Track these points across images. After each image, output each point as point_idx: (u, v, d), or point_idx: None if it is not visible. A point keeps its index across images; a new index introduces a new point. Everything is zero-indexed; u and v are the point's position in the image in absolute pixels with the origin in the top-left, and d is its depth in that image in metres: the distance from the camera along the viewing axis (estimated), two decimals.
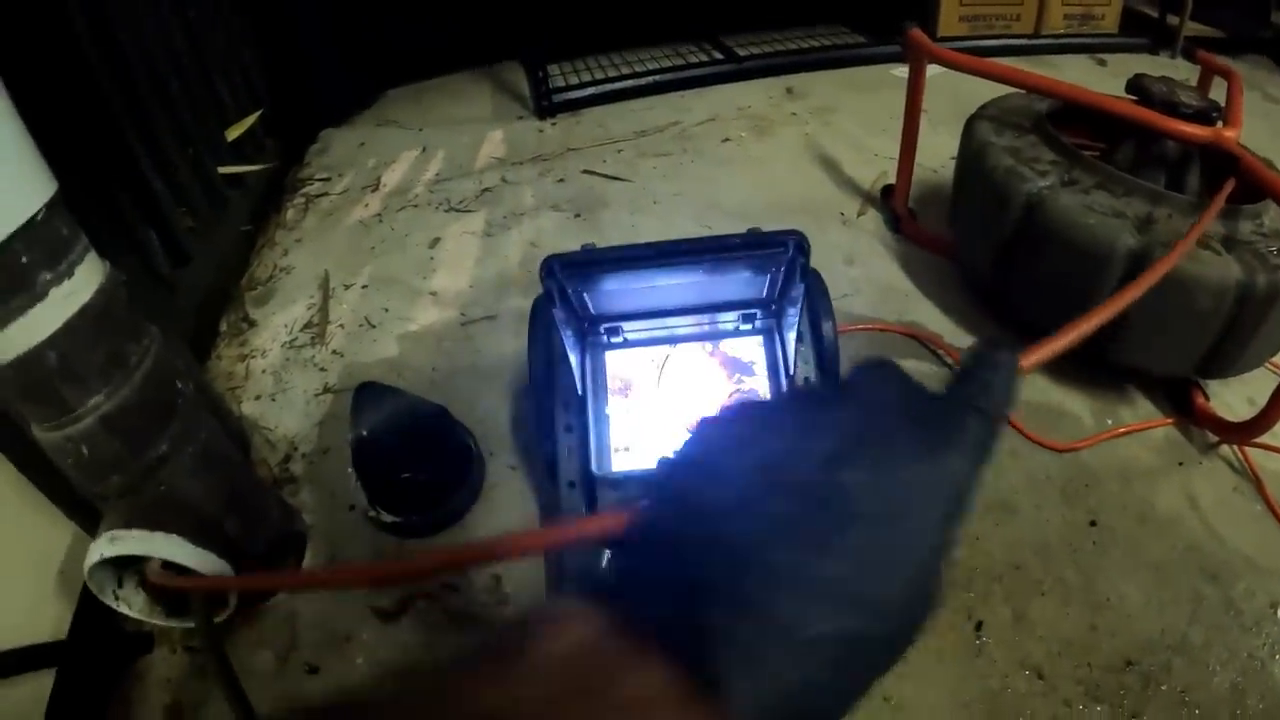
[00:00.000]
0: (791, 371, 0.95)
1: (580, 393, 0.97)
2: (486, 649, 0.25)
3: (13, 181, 0.74)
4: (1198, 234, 1.05)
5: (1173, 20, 2.79)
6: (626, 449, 0.96)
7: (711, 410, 0.33)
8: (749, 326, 1.00)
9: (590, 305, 0.96)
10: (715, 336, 1.01)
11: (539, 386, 1.01)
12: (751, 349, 1.00)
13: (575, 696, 0.24)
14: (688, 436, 0.32)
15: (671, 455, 0.32)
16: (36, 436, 0.85)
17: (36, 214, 0.75)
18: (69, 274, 0.80)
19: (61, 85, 1.33)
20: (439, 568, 0.38)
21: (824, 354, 0.97)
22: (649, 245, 0.88)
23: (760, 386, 0.98)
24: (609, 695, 0.24)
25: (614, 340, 1.00)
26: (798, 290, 0.92)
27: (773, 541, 0.26)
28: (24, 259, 0.74)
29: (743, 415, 0.32)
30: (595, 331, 1.00)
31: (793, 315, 0.95)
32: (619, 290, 0.93)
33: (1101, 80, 2.55)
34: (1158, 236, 1.17)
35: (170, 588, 0.90)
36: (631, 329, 1.00)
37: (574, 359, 0.95)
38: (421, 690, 0.25)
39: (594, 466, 0.94)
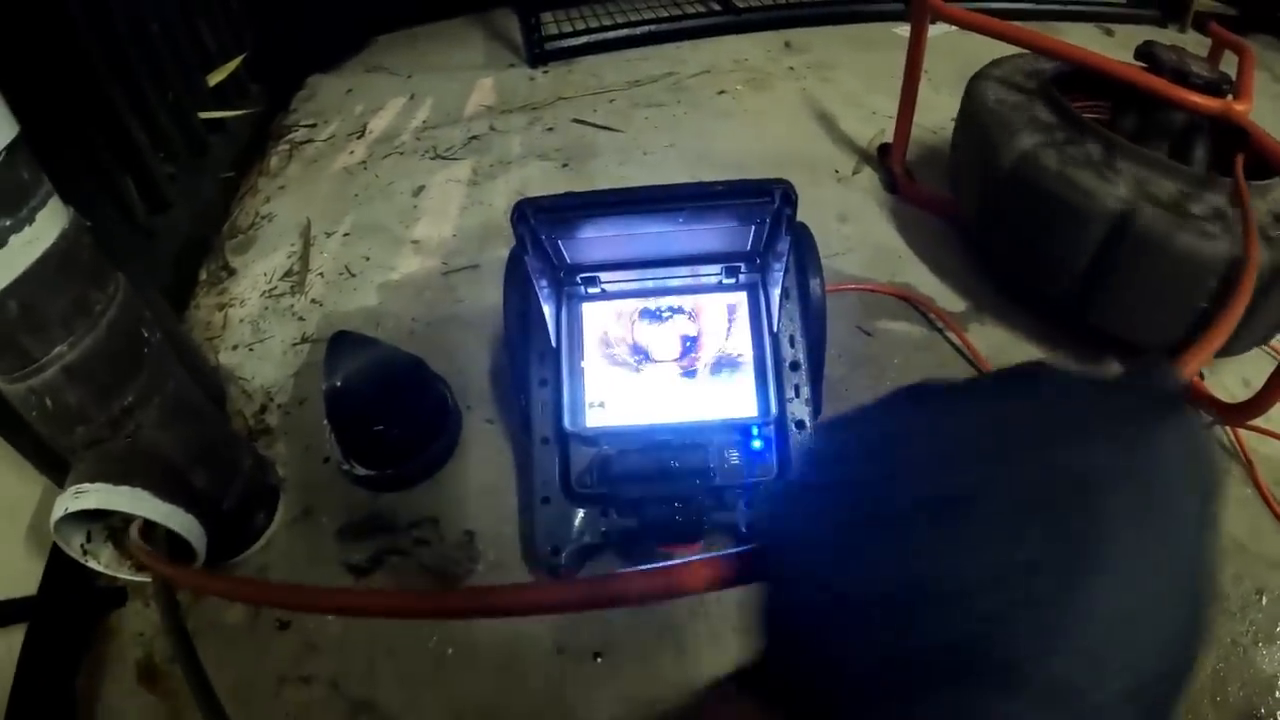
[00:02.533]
0: (776, 329, 0.92)
1: (555, 345, 0.94)
2: None
3: None
4: (1254, 217, 1.03)
5: None
6: (601, 404, 0.93)
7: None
8: (732, 280, 0.97)
9: (566, 254, 0.93)
10: (697, 290, 0.98)
11: (513, 338, 0.98)
12: (734, 303, 0.97)
13: None
14: (816, 443, 0.25)
15: (798, 477, 0.25)
16: (1, 388, 0.83)
17: None
18: (30, 220, 0.77)
19: (30, 22, 1.28)
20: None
21: (810, 312, 0.94)
22: (628, 189, 0.85)
23: (741, 345, 0.95)
24: None
25: (591, 291, 0.97)
26: (784, 244, 0.89)
27: (1008, 583, 0.19)
28: None
29: (888, 409, 0.26)
30: (571, 282, 0.97)
31: (778, 270, 0.91)
32: (596, 238, 0.89)
33: (1107, 49, 2.44)
34: (1156, 208, 1.15)
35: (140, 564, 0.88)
36: (609, 280, 0.97)
37: (548, 310, 0.92)
38: None
39: (567, 422, 0.92)
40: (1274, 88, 2.36)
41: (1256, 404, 1.13)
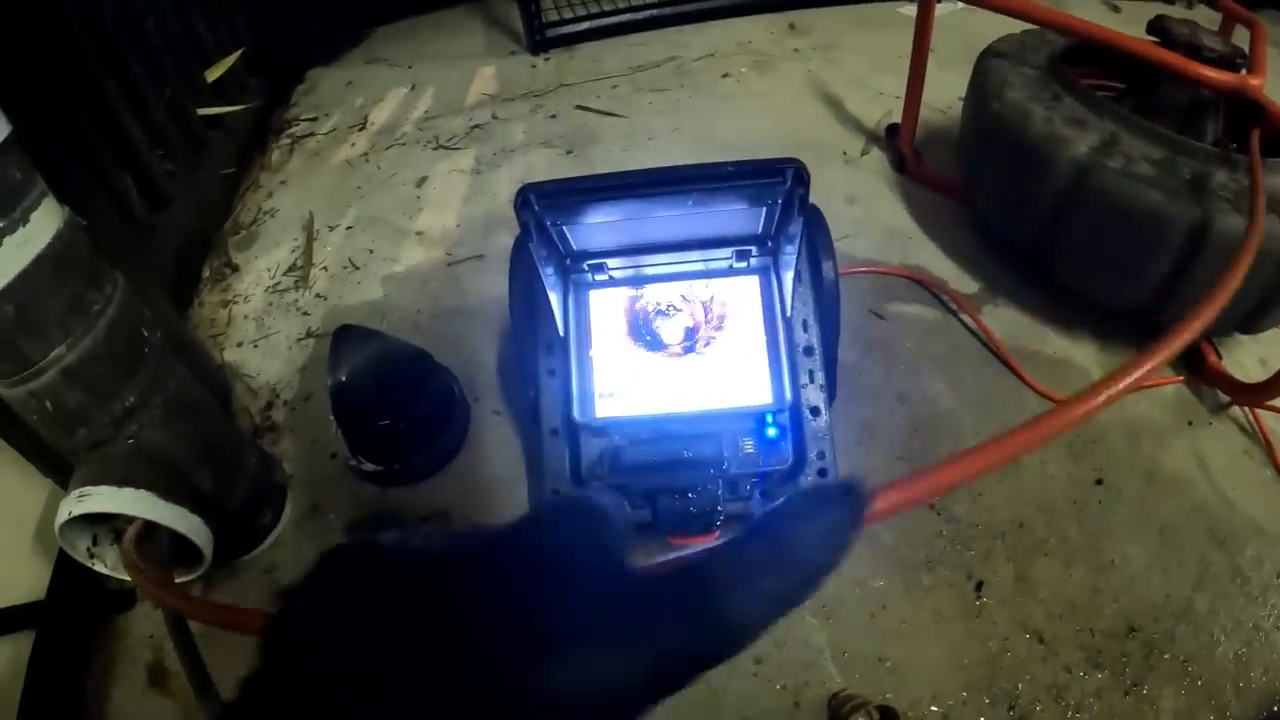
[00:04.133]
0: (789, 313, 0.90)
1: (563, 334, 0.92)
2: None
3: None
4: (1263, 198, 1.00)
5: None
6: (611, 394, 0.91)
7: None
8: (744, 265, 0.95)
9: (571, 240, 0.91)
10: (707, 275, 0.96)
11: (519, 328, 0.96)
12: (746, 289, 0.95)
13: None
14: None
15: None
16: (0, 393, 0.83)
17: None
18: (23, 221, 0.77)
19: (22, 18, 1.27)
20: None
21: (823, 295, 0.92)
22: (634, 172, 0.82)
23: (754, 329, 0.92)
24: None
25: (598, 278, 0.95)
26: (796, 225, 0.87)
27: None
28: None
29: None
30: (578, 269, 0.95)
31: (790, 253, 0.89)
32: (602, 224, 0.87)
33: (1115, 25, 2.44)
34: (1177, 184, 1.13)
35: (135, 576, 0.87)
36: (617, 266, 0.95)
37: (555, 298, 0.89)
38: None
39: (576, 413, 0.90)
40: None
41: (1273, 385, 1.13)
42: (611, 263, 0.94)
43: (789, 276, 0.90)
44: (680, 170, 0.83)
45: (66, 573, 1.01)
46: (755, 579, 0.23)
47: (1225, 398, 1.25)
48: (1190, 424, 1.22)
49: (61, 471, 1.03)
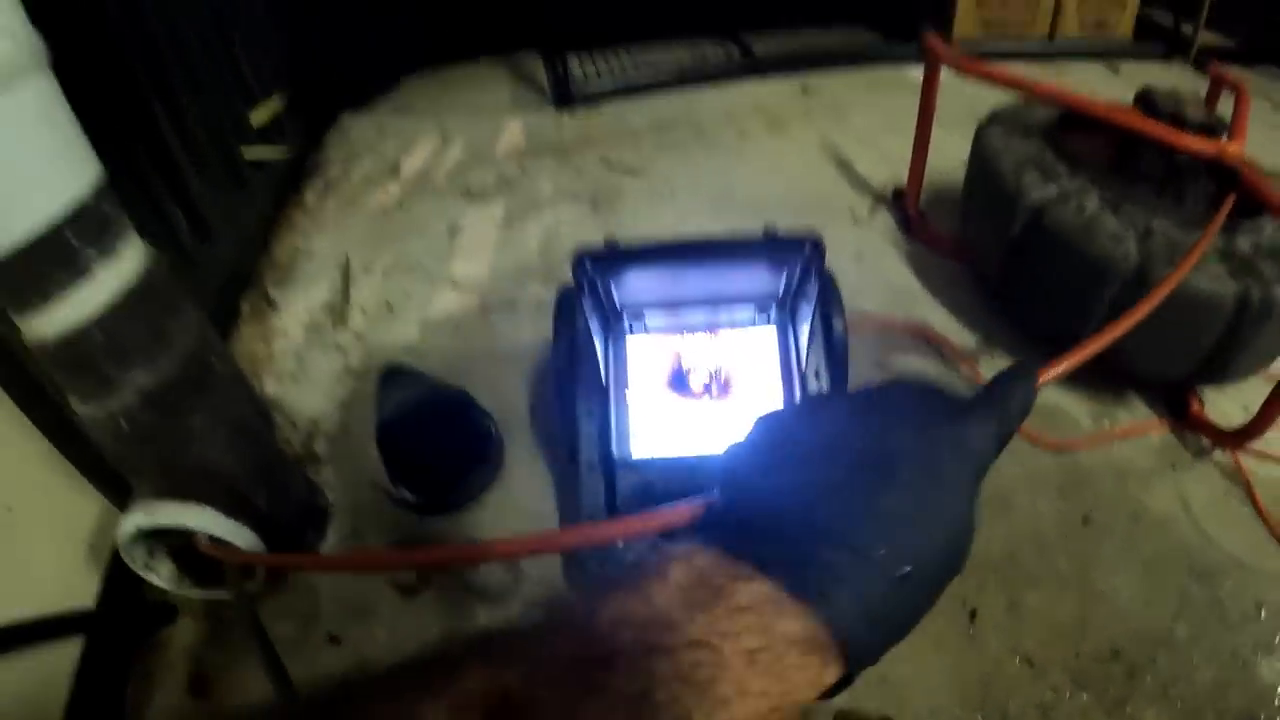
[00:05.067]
0: (803, 365, 0.99)
1: (603, 380, 1.00)
2: (626, 578, 0.32)
3: (63, 166, 0.78)
4: (1201, 250, 1.08)
5: (1187, 29, 2.79)
6: (645, 434, 1.00)
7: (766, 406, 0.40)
8: (765, 320, 1.04)
9: (615, 296, 1.00)
10: (733, 327, 1.05)
11: (562, 372, 1.04)
12: (767, 342, 1.04)
13: (702, 603, 0.30)
14: (750, 429, 0.40)
15: (739, 442, 0.40)
16: (77, 410, 0.88)
17: (84, 195, 0.79)
18: (113, 255, 0.83)
19: (94, 63, 1.35)
20: (534, 550, 0.44)
21: (834, 350, 1.00)
22: (673, 243, 0.92)
23: (772, 379, 1.01)
24: (729, 600, 0.30)
25: (636, 329, 1.04)
26: (812, 288, 0.96)
27: (840, 492, 0.33)
28: (72, 239, 0.78)
29: (799, 408, 0.41)
30: (619, 321, 1.04)
31: (806, 312, 0.98)
32: (643, 283, 0.97)
33: (1113, 87, 2.57)
34: (1155, 248, 1.21)
35: (219, 559, 0.94)
36: (652, 319, 1.04)
37: (599, 346, 0.98)
38: (572, 610, 0.32)
39: (614, 450, 0.98)
40: (1275, 117, 2.43)
41: (1251, 429, 1.20)
42: (649, 315, 1.04)
43: (804, 331, 0.99)
44: (714, 242, 0.93)
45: (115, 584, 1.06)
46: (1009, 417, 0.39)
47: (1208, 443, 1.31)
48: (1174, 467, 1.28)
49: (114, 488, 1.08)
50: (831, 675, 0.31)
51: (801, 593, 0.30)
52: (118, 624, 1.06)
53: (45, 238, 0.75)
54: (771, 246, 0.93)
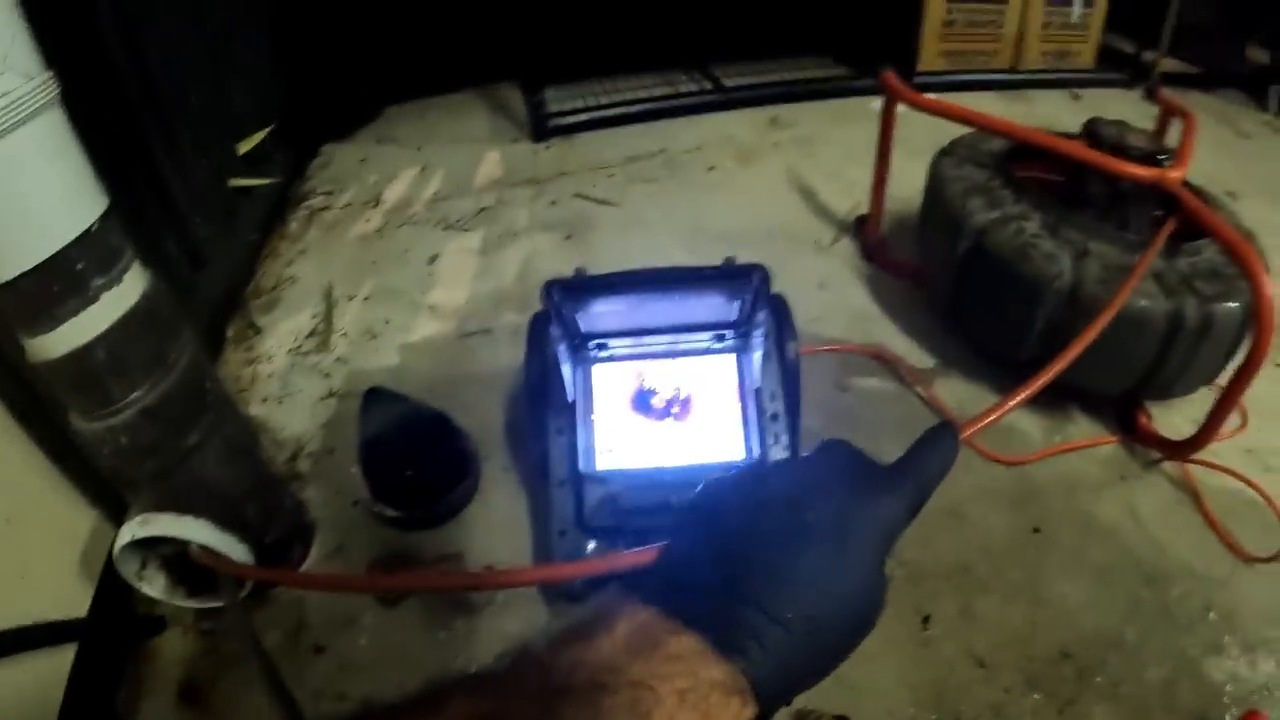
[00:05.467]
0: (758, 385, 1.07)
1: (570, 400, 1.07)
2: (577, 629, 0.40)
3: (72, 196, 0.83)
4: (1141, 274, 1.16)
5: (1149, 56, 2.85)
6: (610, 450, 1.07)
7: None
8: (721, 345, 1.11)
9: (581, 324, 1.07)
10: (691, 353, 1.12)
11: (533, 394, 1.11)
12: (724, 365, 1.11)
13: (641, 651, 0.37)
14: (697, 491, 0.48)
15: (683, 505, 0.48)
16: (76, 425, 0.93)
17: (91, 225, 0.84)
18: (118, 280, 0.88)
19: (97, 98, 1.41)
20: (489, 585, 0.53)
21: (787, 370, 1.09)
22: (635, 273, 1.00)
23: (730, 400, 1.09)
24: (663, 650, 0.37)
25: (602, 355, 1.11)
26: (762, 315, 1.04)
27: (757, 562, 0.40)
28: (79, 265, 0.83)
29: (736, 479, 0.47)
30: (585, 347, 1.11)
31: (758, 336, 1.06)
32: (608, 311, 1.04)
33: (1075, 114, 2.53)
34: (1089, 269, 1.29)
35: (212, 569, 0.99)
36: (617, 345, 1.11)
37: (566, 370, 1.06)
38: (538, 655, 0.39)
39: (581, 465, 1.05)
40: (1236, 142, 2.50)
41: (1197, 441, 1.24)
42: (613, 342, 1.11)
43: (758, 355, 1.07)
44: (671, 272, 1.01)
45: (106, 594, 1.10)
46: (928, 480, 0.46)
47: (1157, 455, 1.35)
48: (1123, 479, 1.32)
49: (107, 502, 1.14)
50: (749, 713, 0.38)
51: (722, 647, 0.37)
52: (108, 633, 1.10)
53: (55, 263, 0.81)
54: (723, 276, 1.01)
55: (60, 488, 1.10)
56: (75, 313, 0.85)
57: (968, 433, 0.53)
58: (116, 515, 1.14)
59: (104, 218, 0.87)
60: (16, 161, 0.76)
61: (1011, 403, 0.60)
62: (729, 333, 1.11)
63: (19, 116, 0.74)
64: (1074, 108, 2.79)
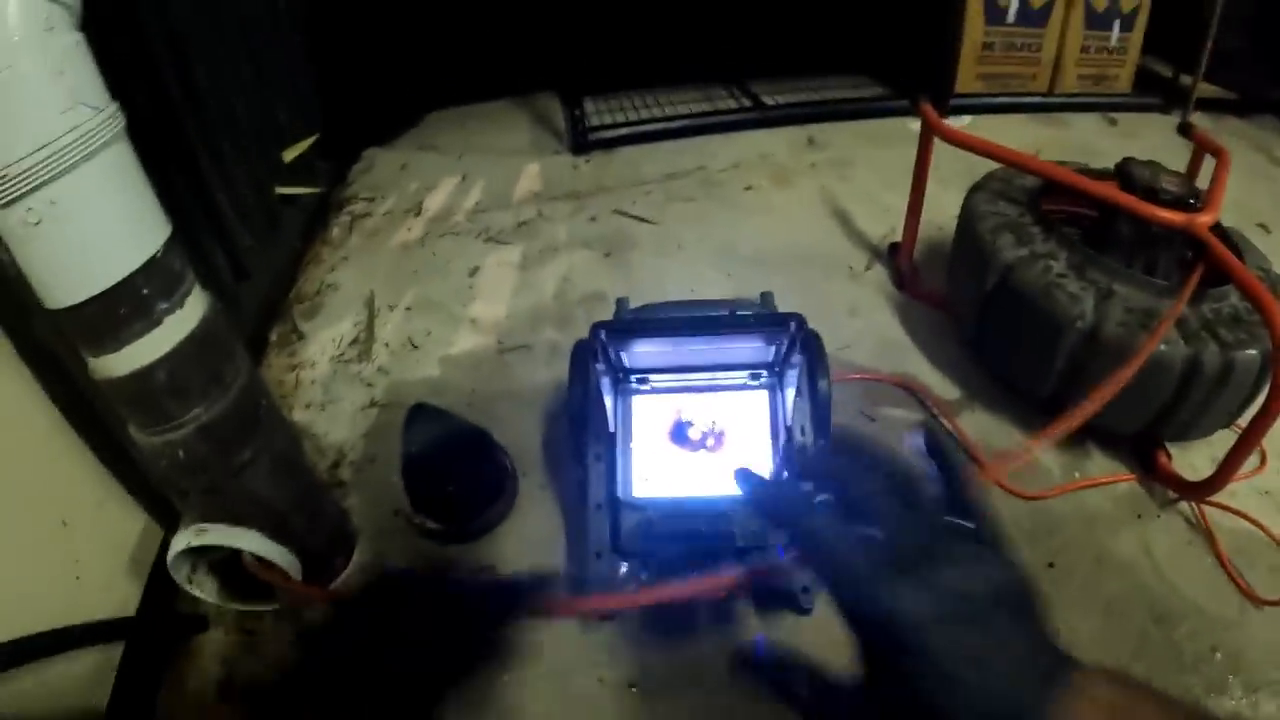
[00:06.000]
0: (789, 422, 1.11)
1: (611, 429, 1.12)
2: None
3: (138, 224, 0.88)
4: (1170, 322, 1.18)
5: (1186, 80, 2.82)
6: (646, 478, 1.11)
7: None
8: (755, 382, 1.15)
9: (625, 360, 1.12)
10: (727, 388, 1.16)
11: (575, 420, 1.16)
12: (757, 402, 1.15)
13: None
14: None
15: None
16: (136, 438, 0.97)
17: (156, 252, 0.89)
18: (180, 304, 0.92)
19: (150, 119, 1.47)
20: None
21: (818, 407, 1.14)
22: (677, 317, 1.07)
23: (761, 435, 1.13)
24: None
25: (642, 388, 1.16)
26: (797, 359, 1.08)
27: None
28: (145, 290, 0.88)
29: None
30: (627, 380, 1.15)
31: (791, 377, 1.10)
32: (649, 350, 1.09)
33: (1111, 140, 2.65)
34: (1111, 310, 1.30)
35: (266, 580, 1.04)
36: (657, 379, 1.16)
37: (608, 402, 1.10)
38: None
39: (619, 491, 1.09)
40: (1271, 170, 2.48)
41: (1214, 482, 1.25)
42: (653, 376, 1.15)
43: (790, 393, 1.11)
44: (713, 320, 1.07)
45: (154, 594, 1.16)
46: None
47: (1173, 494, 1.35)
48: (1139, 517, 1.32)
49: (157, 505, 1.20)
50: None
51: None
52: (155, 631, 1.16)
53: (122, 289, 0.85)
54: (761, 323, 1.06)
55: (113, 492, 1.15)
56: (139, 335, 0.89)
57: (992, 475, 0.55)
58: (165, 519, 1.21)
59: (168, 245, 0.91)
60: (86, 192, 0.80)
61: (1028, 456, 0.63)
62: (764, 372, 1.15)
63: (89, 149, 0.78)
64: (1109, 133, 2.77)
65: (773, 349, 1.09)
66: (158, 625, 1.16)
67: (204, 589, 1.12)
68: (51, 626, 0.98)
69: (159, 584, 1.14)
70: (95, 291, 0.84)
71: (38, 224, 0.77)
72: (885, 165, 2.46)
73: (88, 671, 1.04)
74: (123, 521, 1.17)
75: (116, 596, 1.12)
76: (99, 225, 0.82)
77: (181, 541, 1.00)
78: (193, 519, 1.03)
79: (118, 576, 1.14)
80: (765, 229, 2.17)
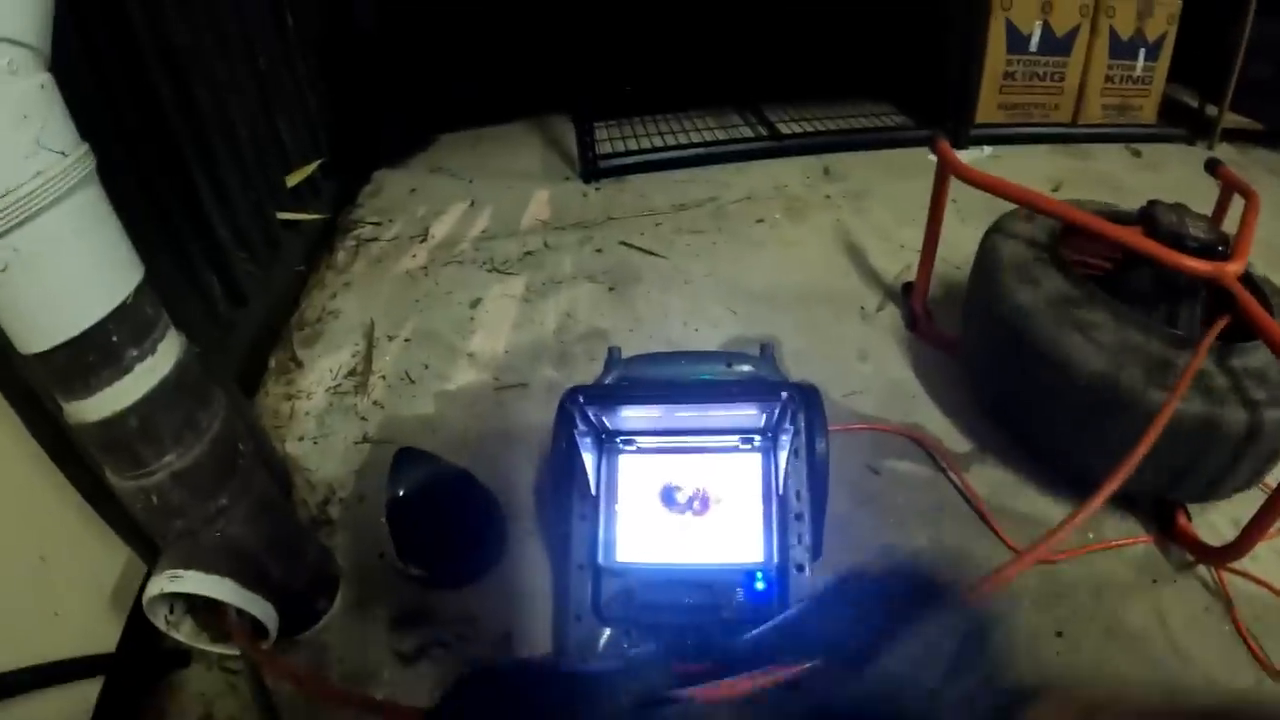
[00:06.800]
0: (783, 489, 1.06)
1: (594, 491, 1.07)
2: None
3: (107, 270, 0.85)
4: (1188, 380, 1.12)
5: (1211, 111, 2.80)
6: (630, 542, 1.07)
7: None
8: (748, 446, 1.11)
9: (609, 423, 1.08)
10: (717, 451, 1.11)
11: (559, 478, 1.12)
12: (749, 466, 1.10)
13: None
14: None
15: None
16: (111, 481, 0.95)
17: (126, 298, 0.86)
18: (152, 351, 0.91)
19: (148, 143, 1.45)
20: None
21: (815, 469, 1.08)
22: (662, 386, 1.03)
23: (752, 499, 1.08)
24: None
25: (628, 449, 1.11)
26: (790, 424, 1.04)
27: None
28: (114, 337, 0.86)
29: None
30: (612, 441, 1.11)
31: (785, 442, 1.05)
32: (634, 414, 1.05)
33: (1136, 173, 2.58)
34: (1131, 367, 1.24)
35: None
36: (644, 440, 1.11)
37: (590, 461, 1.05)
38: None
39: (600, 557, 1.05)
40: None
41: (1236, 548, 1.19)
42: (640, 438, 1.11)
43: (784, 456, 1.06)
44: (702, 388, 1.04)
45: (134, 630, 1.13)
46: None
47: (1192, 557, 1.30)
48: (1155, 582, 1.28)
49: (142, 541, 1.17)
50: None
51: None
52: (135, 667, 1.13)
53: (90, 336, 0.83)
54: (753, 392, 1.02)
55: (93, 527, 1.13)
56: (109, 383, 0.87)
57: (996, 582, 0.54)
58: (148, 553, 1.18)
59: (139, 290, 0.89)
60: (52, 238, 0.77)
61: (1041, 547, 0.59)
62: (757, 437, 1.10)
63: (54, 195, 0.76)
64: (1133, 165, 2.71)
65: (764, 415, 1.05)
66: (137, 661, 1.14)
67: (182, 631, 1.09)
68: (30, 663, 0.96)
69: (140, 619, 1.10)
70: (63, 339, 0.82)
71: (3, 270, 0.75)
72: (903, 198, 2.41)
73: (66, 708, 1.02)
74: (104, 557, 1.15)
75: (97, 632, 1.10)
76: (66, 272, 0.80)
77: (155, 587, 0.98)
78: (169, 563, 1.00)
79: (98, 612, 1.12)
80: (776, 264, 2.14)
